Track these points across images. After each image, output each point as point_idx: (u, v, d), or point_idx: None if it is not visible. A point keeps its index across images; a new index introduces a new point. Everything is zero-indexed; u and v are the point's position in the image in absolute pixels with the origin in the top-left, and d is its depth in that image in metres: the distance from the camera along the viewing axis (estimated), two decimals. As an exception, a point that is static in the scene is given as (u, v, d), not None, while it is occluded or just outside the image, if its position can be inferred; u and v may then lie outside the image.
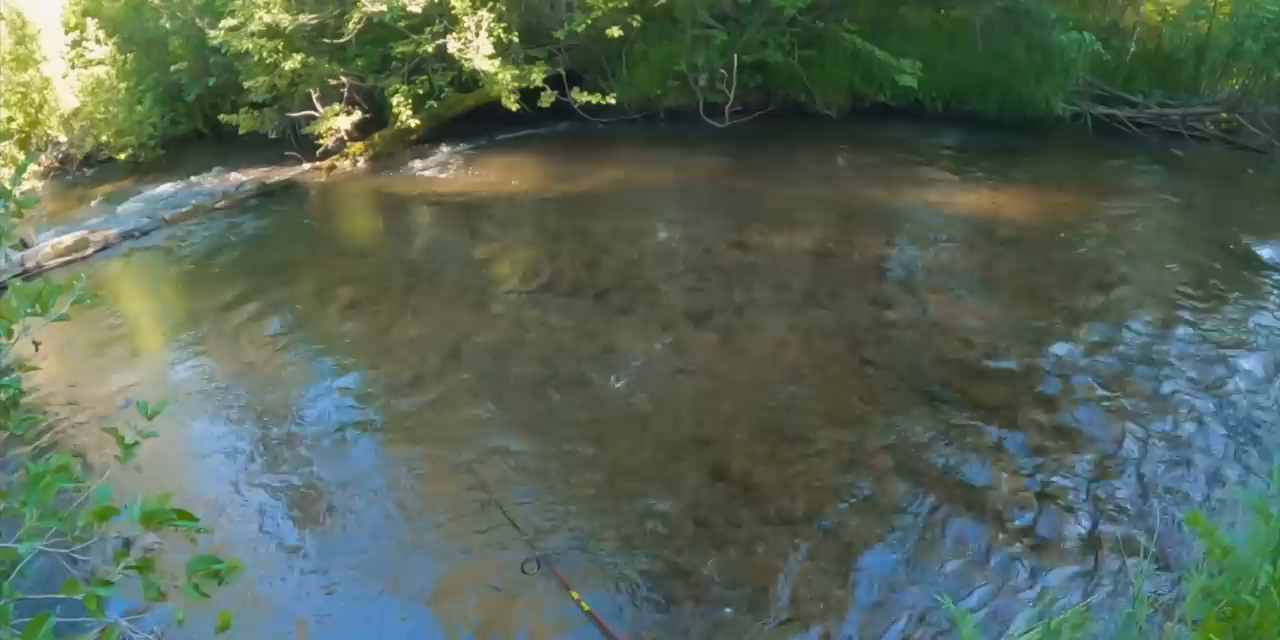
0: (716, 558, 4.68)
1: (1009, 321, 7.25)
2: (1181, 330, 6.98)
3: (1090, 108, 12.94)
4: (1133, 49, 13.48)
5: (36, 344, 2.88)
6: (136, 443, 2.49)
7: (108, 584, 2.15)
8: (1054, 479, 5.20)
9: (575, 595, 4.35)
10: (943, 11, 14.44)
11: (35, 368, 3.00)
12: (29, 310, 2.64)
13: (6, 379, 2.81)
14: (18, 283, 2.83)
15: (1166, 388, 6.12)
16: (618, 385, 6.46)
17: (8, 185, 3.02)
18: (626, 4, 12.67)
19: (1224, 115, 12.69)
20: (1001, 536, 4.74)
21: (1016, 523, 4.85)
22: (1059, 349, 6.72)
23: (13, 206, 3.00)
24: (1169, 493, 5.03)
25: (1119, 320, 7.22)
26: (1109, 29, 13.32)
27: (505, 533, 4.89)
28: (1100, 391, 6.10)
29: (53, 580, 2.63)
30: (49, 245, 10.17)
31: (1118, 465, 5.31)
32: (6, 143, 14.37)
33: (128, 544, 2.30)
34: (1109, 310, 7.48)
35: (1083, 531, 4.75)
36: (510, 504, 5.14)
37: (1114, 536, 4.64)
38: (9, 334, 2.67)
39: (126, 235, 10.98)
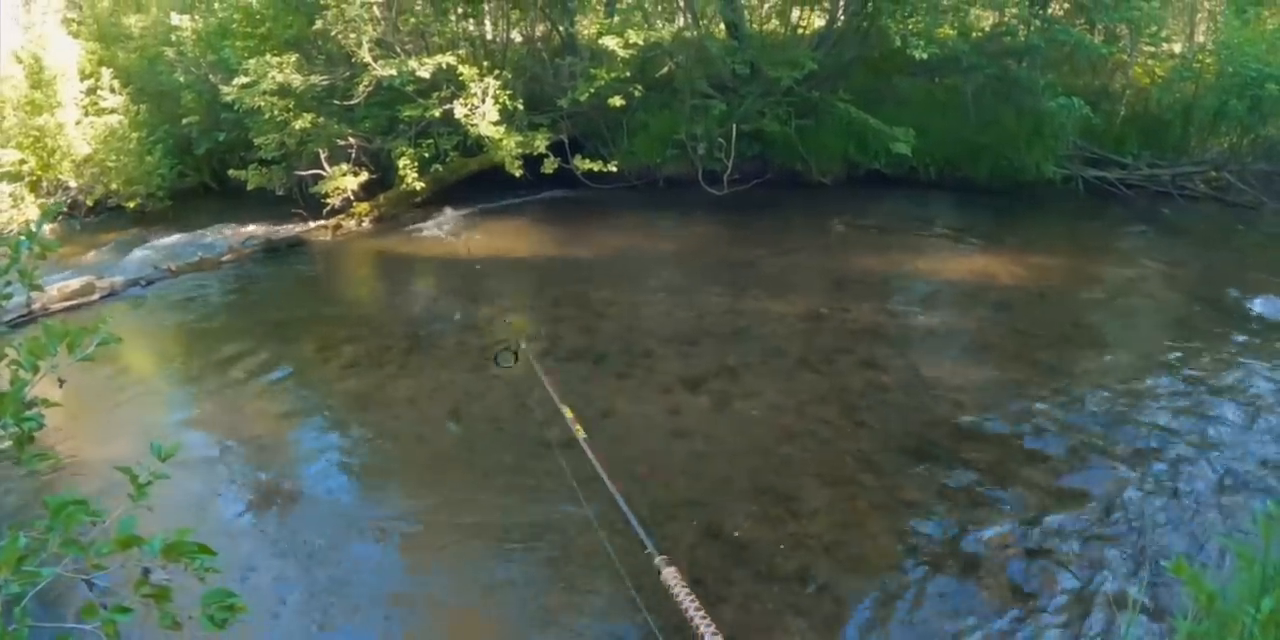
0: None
1: (1000, 383, 7.42)
2: (1172, 388, 7.18)
3: (1081, 171, 13.25)
4: (1122, 112, 13.84)
5: (61, 381, 3.01)
6: (149, 482, 2.53)
7: (126, 611, 2.21)
8: (1044, 534, 5.32)
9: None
10: (936, 80, 14.78)
11: (57, 404, 3.10)
12: (56, 349, 2.73)
13: (28, 413, 2.81)
14: (48, 322, 2.98)
15: (1154, 443, 6.31)
16: (614, 446, 6.57)
17: (33, 229, 3.18)
18: (628, 74, 13.02)
19: (1213, 173, 13.05)
20: (991, 592, 4.85)
21: (1006, 578, 4.95)
22: (1049, 409, 6.88)
23: (37, 248, 3.16)
24: (1157, 544, 5.16)
25: (1108, 380, 7.39)
26: (1098, 93, 13.67)
27: (502, 584, 5.03)
28: (1089, 449, 6.27)
29: (58, 608, 2.75)
30: (55, 289, 10.27)
31: (1107, 519, 5.44)
32: (18, 185, 14.58)
33: (147, 573, 2.35)
34: (1098, 370, 7.67)
35: (1073, 585, 4.85)
36: (507, 560, 5.27)
37: (1104, 589, 4.75)
38: (36, 370, 2.77)
39: (132, 283, 11.10)
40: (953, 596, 4.85)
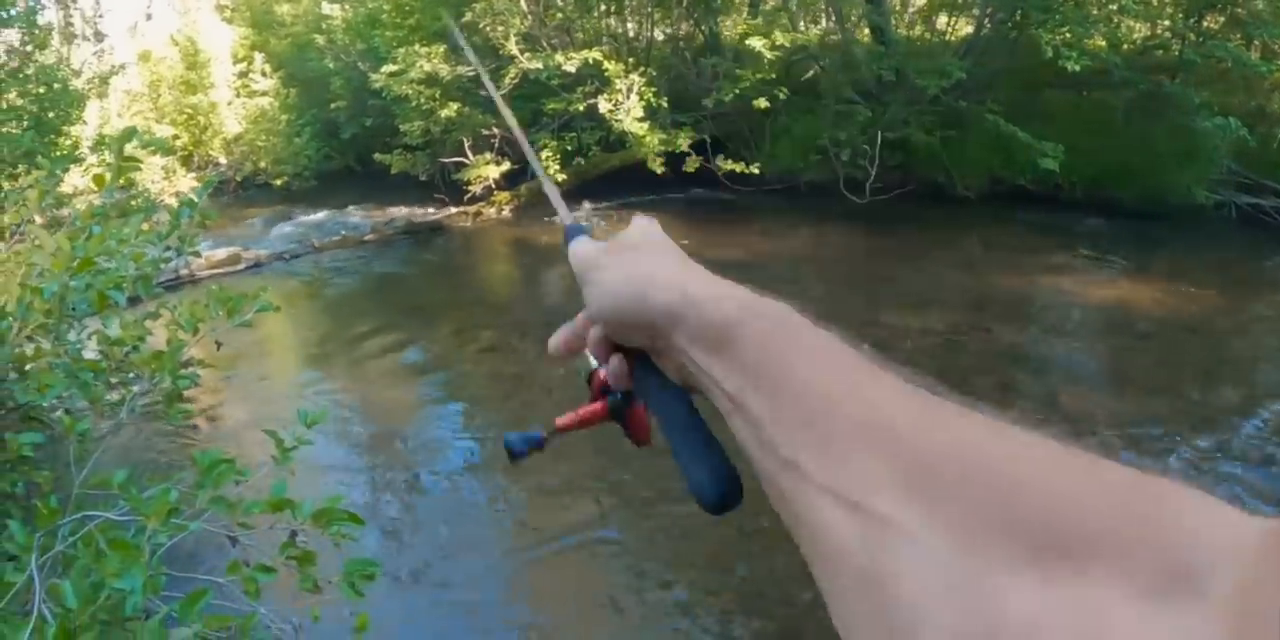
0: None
1: (1141, 417, 7.20)
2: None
3: (1234, 196, 12.66)
4: (1279, 135, 13.25)
5: (219, 344, 3.16)
6: (295, 447, 2.62)
7: (270, 570, 2.27)
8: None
9: None
10: (1085, 94, 14.38)
11: (212, 365, 3.23)
12: (219, 312, 2.90)
13: (184, 372, 2.98)
14: (212, 286, 3.13)
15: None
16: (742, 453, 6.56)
17: (195, 198, 3.35)
18: (773, 76, 12.99)
19: (1374, 208, 12.41)
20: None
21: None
22: (1191, 448, 6.65)
23: (198, 217, 3.33)
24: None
25: (1255, 421, 7.08)
26: (1254, 114, 13.01)
27: (613, 568, 5.08)
28: (1232, 495, 6.06)
29: (189, 561, 2.84)
30: (204, 257, 10.71)
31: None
32: (170, 159, 15.22)
33: (294, 536, 2.43)
34: (1245, 411, 7.38)
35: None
36: (613, 543, 5.33)
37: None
38: (196, 331, 2.93)
39: (277, 256, 11.54)
40: None
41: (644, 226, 0.77)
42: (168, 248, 3.32)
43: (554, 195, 1.02)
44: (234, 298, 2.99)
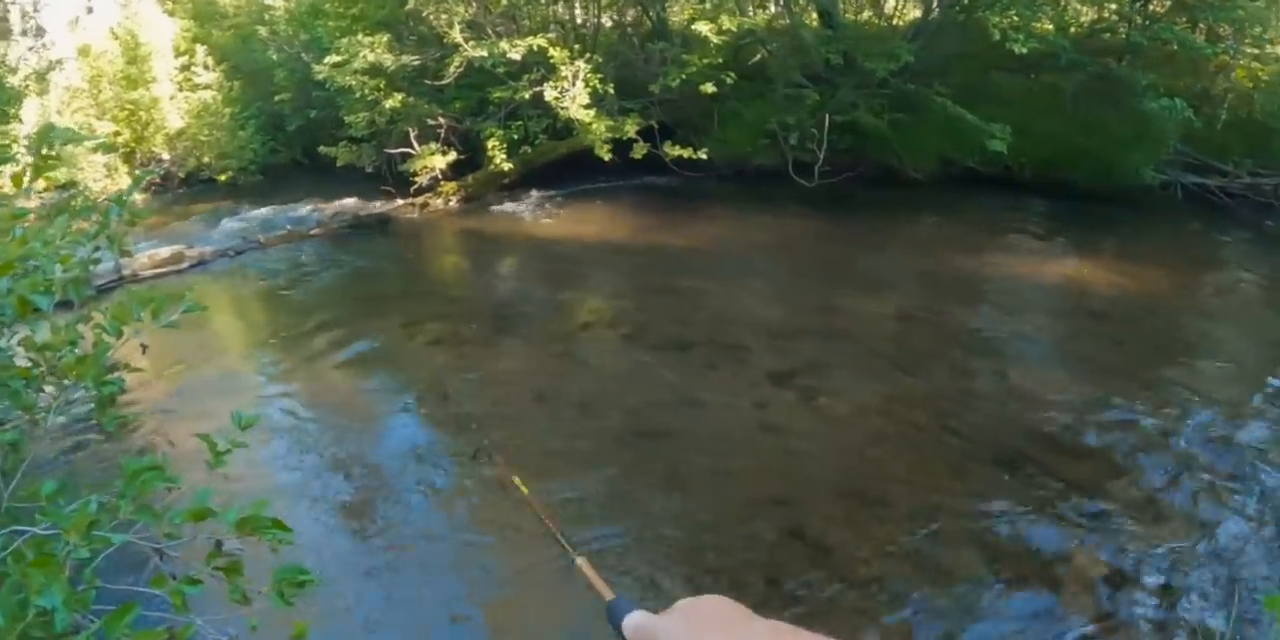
0: (785, 616, 4.70)
1: (1094, 395, 7.18)
2: (1269, 409, 6.88)
3: (1180, 176, 12.77)
4: (1224, 117, 13.28)
5: (144, 347, 3.03)
6: (228, 450, 2.56)
7: (195, 582, 2.21)
8: (1131, 557, 5.15)
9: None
10: (1034, 77, 14.40)
11: (139, 369, 3.12)
12: (140, 314, 2.75)
13: (111, 377, 2.87)
14: (133, 288, 2.99)
15: (1253, 470, 6.03)
16: (700, 438, 6.53)
17: (123, 196, 3.21)
18: (720, 61, 12.90)
19: (1318, 186, 12.49)
20: (1072, 612, 4.70)
21: (1089, 599, 4.80)
22: (1143, 425, 6.65)
23: (126, 215, 3.18)
24: (1250, 575, 4.96)
25: (1205, 398, 7.12)
26: (1200, 96, 13.10)
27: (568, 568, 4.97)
28: (1183, 470, 6.03)
29: (125, 573, 2.75)
30: (146, 256, 10.53)
31: (1198, 546, 5.24)
32: (112, 156, 14.95)
33: (219, 546, 2.34)
34: (1195, 387, 7.39)
35: (1157, 612, 4.68)
36: (583, 547, 5.23)
37: (1190, 619, 4.58)
38: (119, 334, 2.79)
39: (222, 253, 11.34)
40: (1033, 614, 4.72)
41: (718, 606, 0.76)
42: (97, 248, 3.17)
43: (593, 576, 0.96)
44: (158, 298, 2.85)
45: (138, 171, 15.35)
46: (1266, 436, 6.48)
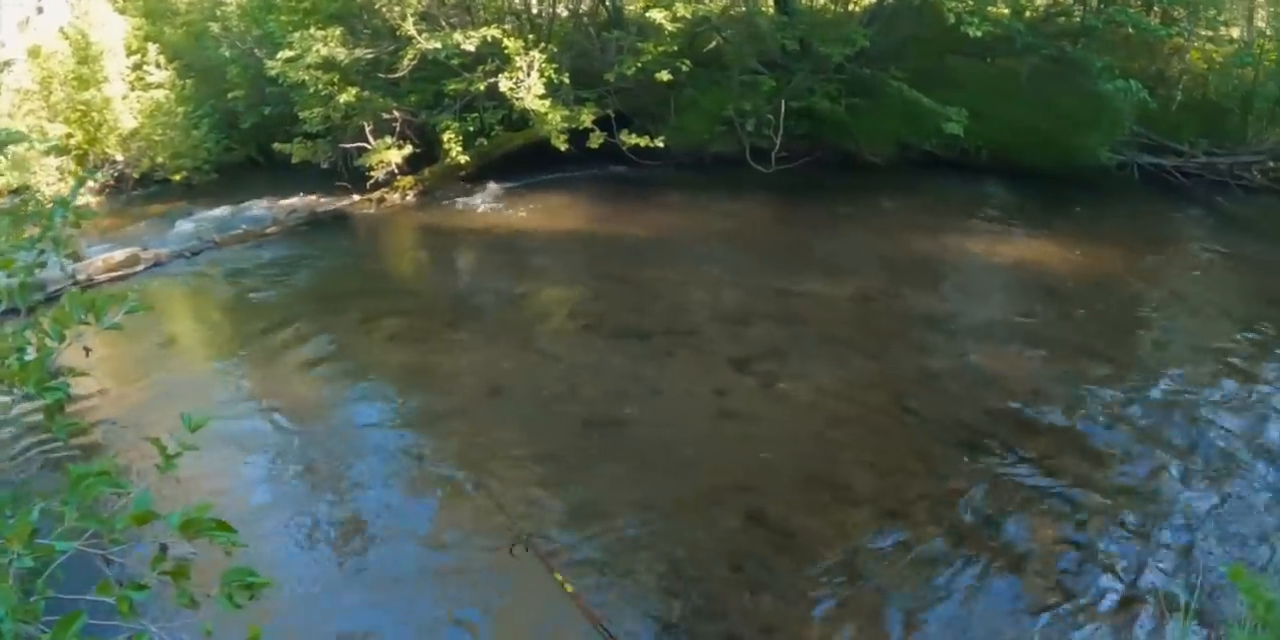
0: (749, 602, 4.69)
1: (1053, 372, 7.23)
2: (1227, 383, 6.95)
3: (1136, 157, 12.89)
4: (1179, 98, 13.42)
5: (87, 350, 2.95)
6: (178, 453, 2.50)
7: (142, 587, 2.17)
8: (1094, 531, 5.18)
9: (559, 577, 4.47)
10: (990, 61, 14.45)
11: (84, 373, 3.05)
12: (83, 317, 2.68)
13: (55, 383, 2.83)
14: (74, 291, 2.91)
15: (1210, 442, 6.09)
16: (660, 427, 6.49)
17: (67, 197, 3.12)
18: (676, 49, 12.85)
19: (1271, 164, 12.61)
20: (1038, 590, 4.72)
21: (1054, 576, 4.83)
22: (1102, 401, 6.70)
23: (71, 217, 3.10)
24: (1212, 548, 5.00)
25: (1163, 372, 7.20)
26: (1155, 78, 13.25)
27: (533, 564, 4.95)
28: (1143, 444, 6.08)
29: (85, 582, 2.70)
30: (100, 259, 10.35)
31: (1159, 519, 5.28)
32: (65, 158, 14.70)
33: (164, 550, 2.29)
34: (1153, 362, 7.47)
35: (1122, 586, 4.71)
36: (542, 538, 5.19)
37: (1154, 592, 4.61)
38: (62, 339, 2.74)
39: (177, 254, 11.16)
40: (998, 592, 4.74)
41: None
42: (41, 251, 3.07)
43: None
44: (99, 301, 2.77)
45: (102, 174, 15.16)
46: (1223, 409, 6.55)
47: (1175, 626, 4.28)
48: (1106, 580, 4.77)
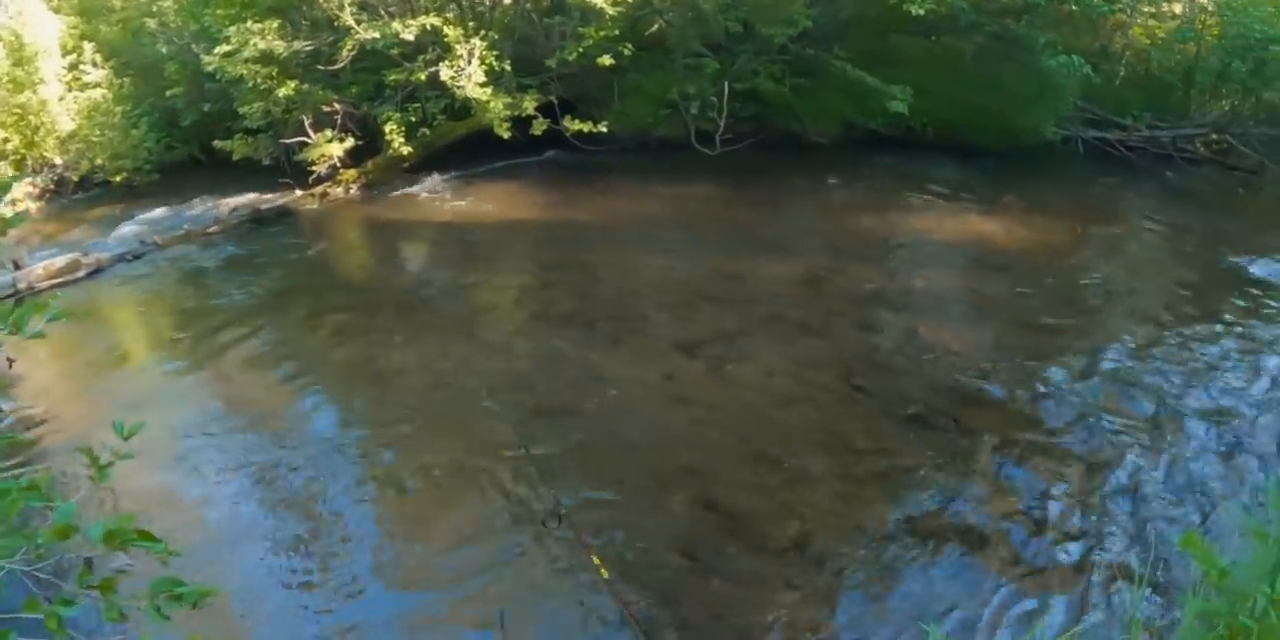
0: (704, 589, 4.64)
1: (999, 347, 7.26)
2: (1173, 352, 7.02)
3: (1081, 132, 13.04)
4: (1122, 73, 13.60)
5: (10, 361, 2.86)
6: (111, 463, 2.45)
7: (69, 603, 2.13)
8: (1046, 503, 5.19)
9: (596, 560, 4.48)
10: (934, 39, 14.50)
11: (12, 385, 2.96)
12: (2, 328, 2.61)
13: None
14: (28, 300, 2.81)
15: (1158, 410, 6.14)
16: (608, 414, 6.43)
17: None
18: (618, 33, 12.75)
19: (1214, 137, 12.83)
20: (991, 563, 4.72)
21: (1007, 549, 4.83)
22: (1050, 373, 6.72)
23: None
24: (1163, 515, 5.03)
25: (1110, 343, 7.24)
26: (1098, 54, 13.43)
27: (485, 556, 4.89)
28: (1092, 415, 6.11)
29: (17, 600, 2.61)
30: (41, 267, 10.14)
31: (1110, 489, 5.30)
32: (2, 164, 14.41)
33: (90, 564, 2.22)
34: (1100, 333, 7.51)
35: (1075, 557, 4.72)
36: (493, 530, 5.12)
37: (1107, 561, 4.63)
38: None
39: (119, 258, 10.94)
40: (953, 568, 4.72)
41: None
42: None
43: None
44: (21, 310, 2.66)
45: (40, 179, 14.86)
46: (1164, 380, 6.60)
47: (1130, 594, 4.27)
48: (1061, 551, 4.78)
